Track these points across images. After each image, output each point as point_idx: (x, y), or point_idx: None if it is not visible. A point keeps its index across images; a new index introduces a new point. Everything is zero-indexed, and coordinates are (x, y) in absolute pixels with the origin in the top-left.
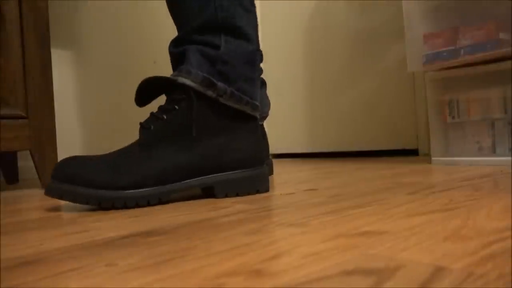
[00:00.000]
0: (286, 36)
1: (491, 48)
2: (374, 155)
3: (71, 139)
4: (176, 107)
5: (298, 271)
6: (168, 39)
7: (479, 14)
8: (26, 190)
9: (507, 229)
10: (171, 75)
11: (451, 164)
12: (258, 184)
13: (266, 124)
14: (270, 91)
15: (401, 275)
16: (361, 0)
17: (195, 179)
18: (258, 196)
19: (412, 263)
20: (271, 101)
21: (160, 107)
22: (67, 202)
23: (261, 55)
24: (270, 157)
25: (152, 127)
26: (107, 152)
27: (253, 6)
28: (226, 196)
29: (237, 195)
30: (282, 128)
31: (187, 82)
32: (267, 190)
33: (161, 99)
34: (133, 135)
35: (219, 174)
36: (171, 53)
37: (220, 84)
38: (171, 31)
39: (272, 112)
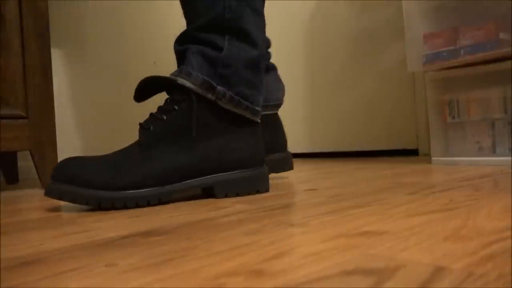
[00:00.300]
0: (287, 36)
1: (491, 48)
2: (374, 155)
3: (71, 139)
4: (176, 107)
5: (298, 271)
6: (169, 39)
7: (479, 14)
8: (26, 190)
9: (507, 229)
10: (171, 74)
11: (451, 164)
12: (258, 184)
13: None
14: None
15: (401, 275)
16: (362, 0)
17: (195, 179)
18: (258, 196)
19: (412, 263)
20: None
21: (159, 108)
22: (67, 202)
23: (269, 40)
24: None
25: (151, 127)
26: (107, 152)
27: (263, 8)
28: (226, 196)
29: (237, 195)
30: None
31: (187, 83)
32: (267, 190)
33: (161, 99)
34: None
35: (219, 174)
36: (175, 50)
37: (219, 88)
38: (172, 32)
39: None
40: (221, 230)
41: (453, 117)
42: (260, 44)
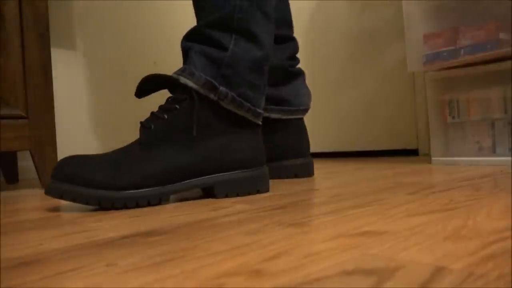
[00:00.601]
0: None
1: (491, 48)
2: (374, 155)
3: (71, 139)
4: (177, 106)
5: (298, 271)
6: (169, 39)
7: (479, 14)
8: (26, 190)
9: (507, 229)
10: (174, 73)
11: (451, 164)
12: (259, 184)
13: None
14: None
15: (401, 275)
16: (362, 0)
17: (196, 179)
18: (258, 196)
19: (412, 263)
20: None
21: (161, 107)
22: (67, 202)
23: (297, 46)
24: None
25: (152, 126)
26: (107, 151)
27: (274, 13)
28: (227, 196)
29: (238, 195)
30: None
31: (190, 83)
32: (267, 190)
33: (161, 99)
34: (133, 135)
35: (220, 174)
36: (181, 47)
37: (222, 88)
38: (172, 32)
39: None
40: (221, 230)
41: (453, 117)
42: (267, 48)
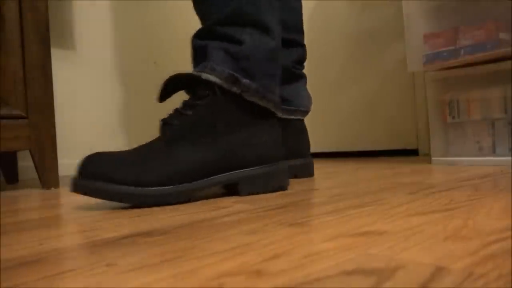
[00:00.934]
0: None
1: (491, 48)
2: (375, 155)
3: (71, 139)
4: (200, 102)
5: (298, 271)
6: (169, 39)
7: (479, 14)
8: (26, 190)
9: (507, 229)
10: (194, 70)
11: (451, 164)
12: (282, 180)
13: None
14: None
15: (401, 275)
16: (362, 0)
17: (220, 175)
18: (258, 196)
19: (412, 263)
20: None
21: (184, 102)
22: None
23: (305, 53)
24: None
25: (177, 122)
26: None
27: (278, 1)
28: (250, 194)
29: (259, 192)
30: None
31: (212, 78)
32: (288, 185)
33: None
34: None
35: (242, 170)
36: (193, 47)
37: (245, 81)
38: (172, 32)
39: None
40: (221, 230)
41: (453, 117)
42: (278, 37)
